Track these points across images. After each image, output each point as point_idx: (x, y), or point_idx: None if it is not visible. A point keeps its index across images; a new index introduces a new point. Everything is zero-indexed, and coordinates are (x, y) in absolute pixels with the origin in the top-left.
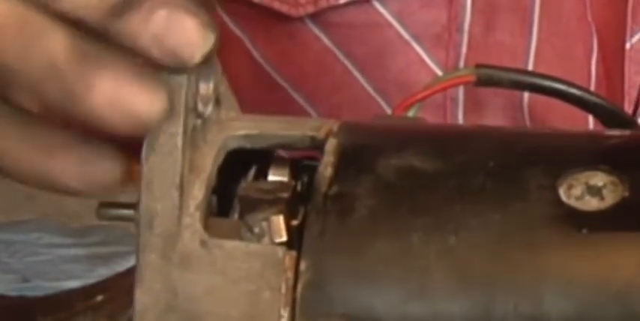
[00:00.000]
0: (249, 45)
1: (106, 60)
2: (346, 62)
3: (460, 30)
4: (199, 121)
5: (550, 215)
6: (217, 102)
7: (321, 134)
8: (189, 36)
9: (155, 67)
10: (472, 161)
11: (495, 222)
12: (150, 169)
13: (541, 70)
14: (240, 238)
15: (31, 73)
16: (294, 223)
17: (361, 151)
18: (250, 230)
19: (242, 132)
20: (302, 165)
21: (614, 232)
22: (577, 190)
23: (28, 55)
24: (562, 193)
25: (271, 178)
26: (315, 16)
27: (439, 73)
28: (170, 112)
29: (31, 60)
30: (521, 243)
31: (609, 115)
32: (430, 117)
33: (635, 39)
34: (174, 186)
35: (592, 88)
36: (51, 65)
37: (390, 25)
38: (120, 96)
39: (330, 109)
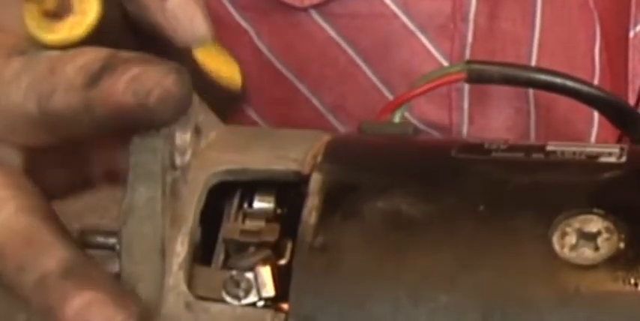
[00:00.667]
0: (253, 36)
1: (87, 278)
2: (351, 53)
3: (465, 20)
4: (178, 172)
5: (544, 271)
6: (197, 131)
7: (305, 169)
8: (164, 80)
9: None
10: (462, 204)
11: (488, 279)
12: (129, 233)
13: (544, 58)
14: (227, 291)
15: (23, 281)
16: (282, 262)
17: (346, 190)
18: (237, 285)
19: (223, 167)
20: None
21: (609, 289)
22: (571, 238)
23: (25, 267)
24: (555, 241)
25: (257, 204)
26: (319, 7)
27: (444, 63)
28: (147, 177)
29: (27, 271)
30: (516, 303)
31: (609, 107)
32: (435, 108)
33: (639, 27)
34: (156, 250)
35: (596, 76)
36: (41, 278)
37: (395, 16)
38: (88, 315)
39: (335, 100)
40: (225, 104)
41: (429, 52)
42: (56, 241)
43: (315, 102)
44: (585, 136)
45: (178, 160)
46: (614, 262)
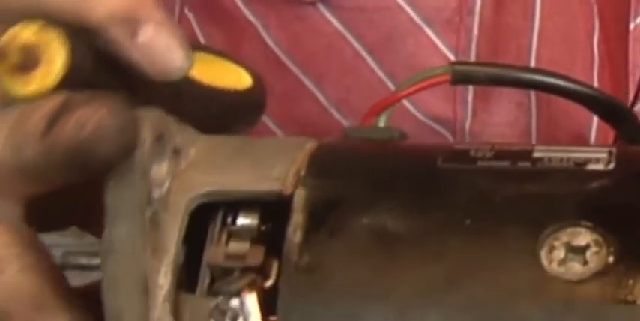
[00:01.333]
0: (260, 29)
1: None
2: (356, 46)
3: (471, 13)
4: (157, 203)
5: (532, 287)
6: (176, 153)
7: (288, 188)
8: (97, 113)
9: None
10: (448, 219)
11: (476, 296)
12: (110, 271)
13: (544, 49)
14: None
15: None
16: (269, 283)
17: (331, 207)
18: (223, 314)
19: (204, 190)
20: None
21: (599, 305)
22: (559, 252)
23: None
24: (543, 256)
25: (241, 220)
26: (326, 0)
27: (450, 56)
28: (124, 215)
29: None
30: (505, 320)
31: (599, 105)
32: (440, 101)
33: (639, 19)
34: (139, 286)
35: (595, 67)
36: None
37: (401, 9)
38: None
39: (339, 94)
40: (239, 114)
41: (435, 45)
42: (61, 304)
43: (320, 96)
44: (586, 129)
45: (156, 193)
46: (604, 276)
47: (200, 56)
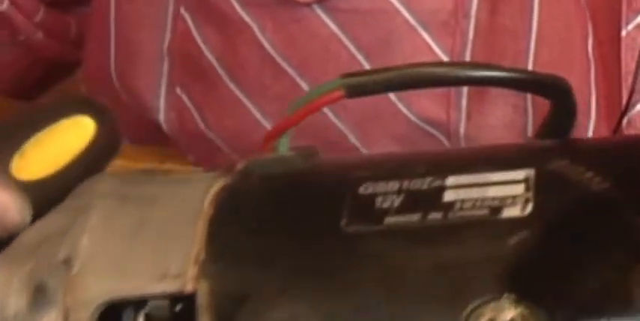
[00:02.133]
0: (256, 31)
1: None
2: (352, 48)
3: (467, 16)
4: None
5: None
6: (67, 262)
7: (188, 285)
8: None
9: None
10: (362, 304)
11: None
12: None
13: (542, 51)
14: None
15: None
16: None
17: (238, 302)
18: None
19: (103, 299)
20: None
21: None
22: None
23: None
24: None
25: (152, 304)
26: (322, 2)
27: (446, 59)
28: None
29: None
30: None
31: (538, 86)
32: (433, 104)
33: (630, 26)
34: None
35: (591, 71)
36: None
37: (397, 12)
38: None
39: None
40: (99, 164)
41: (430, 48)
42: None
43: None
44: (583, 129)
45: None
46: None
47: (31, 145)
